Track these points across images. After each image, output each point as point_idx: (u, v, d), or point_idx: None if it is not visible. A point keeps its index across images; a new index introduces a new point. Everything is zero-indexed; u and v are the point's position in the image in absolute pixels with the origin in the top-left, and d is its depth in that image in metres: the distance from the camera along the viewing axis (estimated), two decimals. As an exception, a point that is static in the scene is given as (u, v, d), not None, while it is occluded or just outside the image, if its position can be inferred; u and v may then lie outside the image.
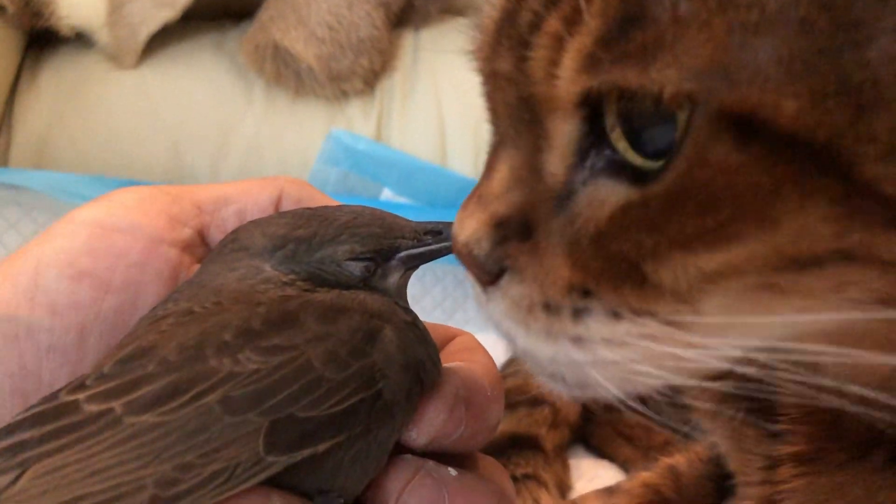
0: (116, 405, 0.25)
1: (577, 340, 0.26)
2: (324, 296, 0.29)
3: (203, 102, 0.92)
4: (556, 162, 0.26)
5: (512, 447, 0.65)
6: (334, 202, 0.35)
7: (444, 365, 0.31)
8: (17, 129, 0.91)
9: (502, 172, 0.28)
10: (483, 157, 0.94)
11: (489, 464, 0.32)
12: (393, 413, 0.28)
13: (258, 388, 0.25)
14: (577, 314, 0.26)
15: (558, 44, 0.25)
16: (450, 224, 0.32)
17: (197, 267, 0.33)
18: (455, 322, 0.91)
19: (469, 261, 0.28)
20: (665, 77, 0.23)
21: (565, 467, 0.69)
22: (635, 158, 0.25)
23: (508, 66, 0.27)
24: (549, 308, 0.27)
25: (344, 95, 0.91)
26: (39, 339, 0.31)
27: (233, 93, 0.93)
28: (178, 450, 0.24)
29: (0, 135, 0.90)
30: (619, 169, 0.25)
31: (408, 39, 0.98)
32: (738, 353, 0.25)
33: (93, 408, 0.25)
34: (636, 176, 0.25)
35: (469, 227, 0.28)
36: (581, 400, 0.27)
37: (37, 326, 0.30)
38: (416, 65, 0.97)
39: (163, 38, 0.93)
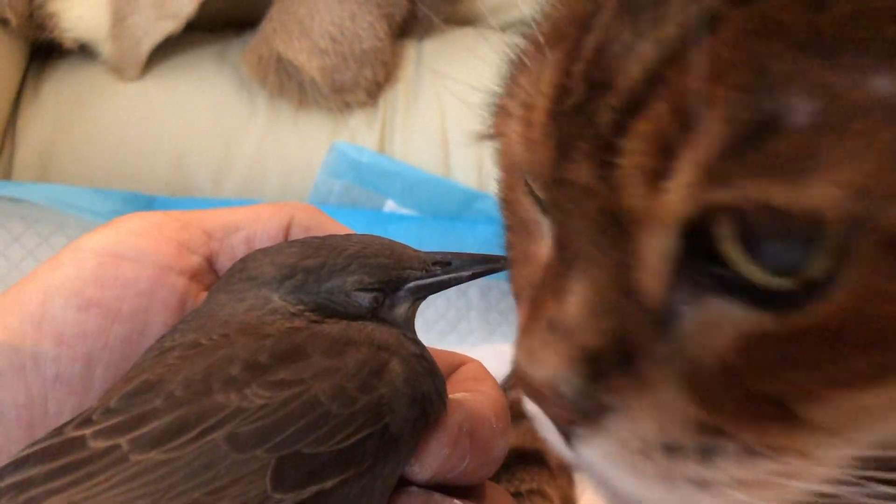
0: (123, 441, 0.25)
1: (704, 484, 0.23)
2: (331, 328, 0.29)
3: (206, 114, 0.92)
4: (651, 281, 0.23)
5: (517, 462, 0.65)
6: (344, 228, 0.35)
7: (450, 396, 0.31)
8: (21, 141, 0.91)
9: (582, 296, 0.24)
10: (486, 171, 0.93)
11: (496, 493, 0.32)
12: (399, 447, 0.27)
13: (265, 424, 0.25)
14: (705, 454, 0.23)
15: (662, 151, 0.21)
16: (459, 254, 0.32)
17: (205, 294, 0.33)
18: (458, 333, 0.91)
19: (554, 400, 0.24)
20: (823, 195, 0.19)
21: (570, 481, 0.69)
22: (758, 276, 0.21)
23: (583, 174, 0.23)
24: (669, 449, 0.23)
25: (347, 107, 0.91)
26: (46, 368, 0.30)
27: (236, 104, 0.93)
28: (185, 487, 0.24)
29: (3, 147, 0.90)
30: (732, 288, 0.22)
31: (411, 50, 0.98)
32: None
33: (99, 444, 0.25)
34: (756, 296, 0.22)
35: (550, 363, 0.24)
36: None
37: (43, 356, 0.30)
38: (419, 76, 0.97)
39: (165, 50, 0.93)
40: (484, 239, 0.90)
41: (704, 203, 0.21)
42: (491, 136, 0.31)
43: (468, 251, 0.96)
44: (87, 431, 0.26)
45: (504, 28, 1.18)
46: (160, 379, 0.27)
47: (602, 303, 0.24)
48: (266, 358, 0.27)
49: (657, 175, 0.21)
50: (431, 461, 0.29)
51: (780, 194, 0.20)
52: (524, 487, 0.62)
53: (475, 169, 0.94)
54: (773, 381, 0.22)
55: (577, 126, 0.23)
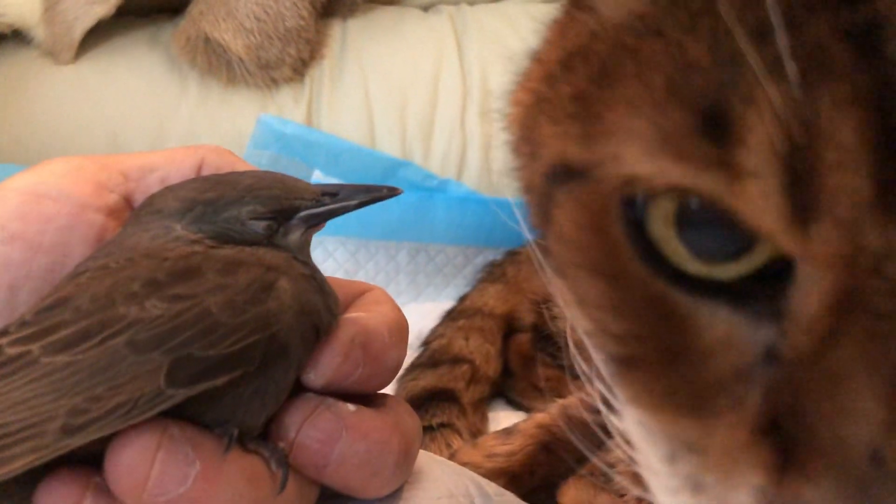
0: (34, 347, 0.28)
1: None
2: (226, 252, 0.32)
3: (139, 94, 0.96)
4: None
5: (430, 400, 0.70)
6: (253, 168, 0.38)
7: (347, 315, 0.33)
8: (-41, 125, 0.94)
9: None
10: (409, 141, 0.98)
11: (391, 400, 0.34)
12: (288, 354, 0.30)
13: (161, 331, 0.28)
14: None
15: None
16: (345, 186, 0.35)
17: None
18: (390, 290, 0.96)
19: None
20: None
21: (483, 419, 0.75)
22: None
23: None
24: None
25: (274, 83, 0.96)
26: None
27: (168, 84, 0.97)
28: (88, 385, 0.27)
29: (-58, 131, 0.93)
30: None
31: (336, 29, 1.03)
32: None
33: (13, 350, 0.28)
34: None
35: None
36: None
37: None
38: (344, 53, 1.01)
39: (98, 34, 0.96)
40: (407, 205, 0.95)
41: None
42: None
43: (393, 216, 1.01)
44: (4, 341, 0.29)
45: (425, 7, 1.23)
46: (70, 295, 0.30)
47: None
48: (164, 276, 0.30)
49: None
50: (325, 369, 0.32)
51: None
52: (435, 421, 0.68)
53: (399, 140, 0.99)
54: None
55: None
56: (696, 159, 0.20)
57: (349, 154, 0.93)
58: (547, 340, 0.80)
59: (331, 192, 0.35)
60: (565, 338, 0.76)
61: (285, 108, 0.97)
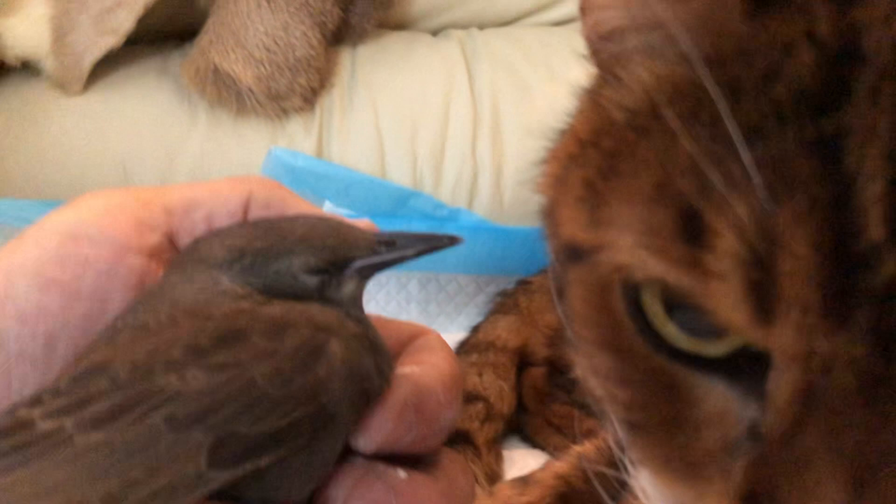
0: (68, 423, 0.26)
1: None
2: (273, 309, 0.30)
3: (149, 124, 0.96)
4: None
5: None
6: (304, 202, 0.36)
7: (399, 370, 0.31)
8: (-31, 158, 0.94)
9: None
10: (420, 170, 0.98)
11: (446, 460, 0.32)
12: (336, 425, 0.29)
13: (202, 406, 0.26)
14: None
15: None
16: (403, 234, 0.33)
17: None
18: (402, 319, 0.96)
19: None
20: None
21: (498, 458, 0.74)
22: None
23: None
24: None
25: (284, 113, 0.95)
26: (9, 346, 0.31)
27: (177, 114, 0.96)
28: (125, 466, 0.25)
29: (-48, 164, 0.93)
30: None
31: (345, 56, 1.02)
32: None
33: (46, 425, 0.26)
34: None
35: None
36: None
37: (6, 334, 0.31)
38: (353, 80, 1.01)
39: (107, 64, 0.96)
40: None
41: None
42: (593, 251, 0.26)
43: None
44: (37, 412, 0.27)
45: (434, 32, 1.23)
46: (107, 360, 0.28)
47: None
48: (207, 341, 0.28)
49: None
50: (375, 434, 0.30)
51: None
52: (450, 465, 0.67)
53: (410, 168, 0.99)
54: None
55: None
56: (673, 257, 0.22)
57: (360, 185, 0.92)
58: (561, 375, 0.79)
59: (387, 241, 0.32)
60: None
61: (296, 137, 0.96)
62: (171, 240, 0.35)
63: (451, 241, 0.33)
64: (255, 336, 0.28)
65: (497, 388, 0.78)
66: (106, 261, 0.32)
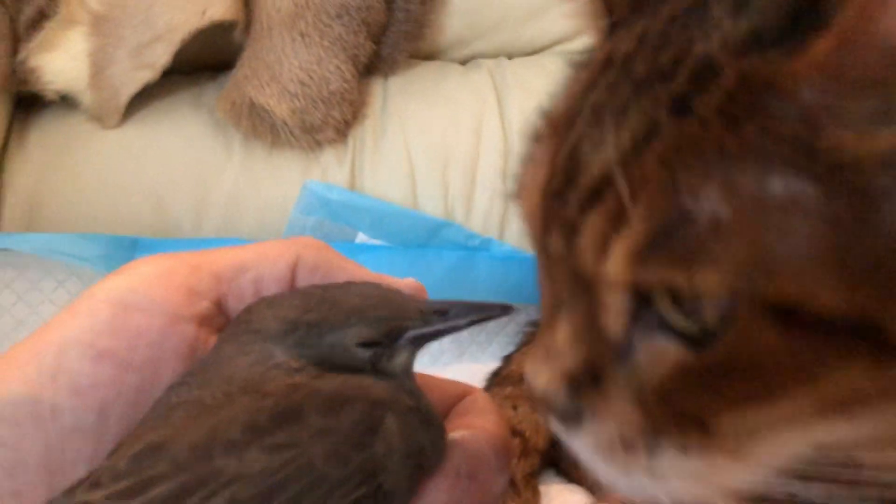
0: None
1: (651, 473, 0.30)
2: (329, 384, 0.30)
3: (184, 157, 0.97)
4: (613, 323, 0.29)
5: (483, 479, 0.70)
6: (350, 263, 0.36)
7: (450, 436, 0.32)
8: (8, 191, 0.95)
9: (565, 331, 0.31)
10: (451, 200, 0.98)
11: None
12: (394, 501, 0.29)
13: (263, 490, 0.27)
14: (650, 451, 0.29)
15: (605, 237, 0.27)
16: (456, 303, 0.33)
17: (214, 339, 0.34)
18: (431, 354, 0.95)
19: (547, 407, 0.32)
20: (708, 280, 0.26)
21: (535, 494, 0.74)
22: (686, 327, 0.27)
23: (558, 245, 0.30)
24: (626, 445, 0.30)
25: (318, 145, 0.96)
26: (63, 419, 0.31)
27: (212, 147, 0.97)
28: None
29: (-9, 198, 0.94)
30: (672, 330, 0.28)
31: (377, 87, 1.03)
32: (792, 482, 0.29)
33: None
34: (688, 338, 0.27)
35: (543, 379, 0.31)
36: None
37: (60, 407, 0.31)
38: (385, 112, 1.02)
39: (143, 97, 0.97)
40: (450, 265, 0.95)
41: (632, 279, 0.28)
42: (514, 198, 0.34)
43: (436, 276, 1.00)
44: (97, 496, 0.27)
45: (463, 61, 1.24)
46: (165, 440, 0.28)
47: (577, 336, 0.31)
48: (265, 419, 0.28)
49: (602, 253, 0.28)
50: None
51: (680, 280, 0.27)
52: None
53: (441, 199, 0.99)
54: (690, 398, 0.29)
55: (555, 207, 0.30)
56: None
57: (393, 217, 0.93)
58: (597, 410, 0.79)
59: (440, 311, 0.32)
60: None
61: (329, 169, 0.97)
62: (219, 305, 0.35)
63: (504, 310, 0.33)
64: (312, 414, 0.29)
65: (532, 421, 0.78)
66: (158, 330, 0.33)
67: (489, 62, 1.10)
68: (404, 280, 0.35)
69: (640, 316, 0.28)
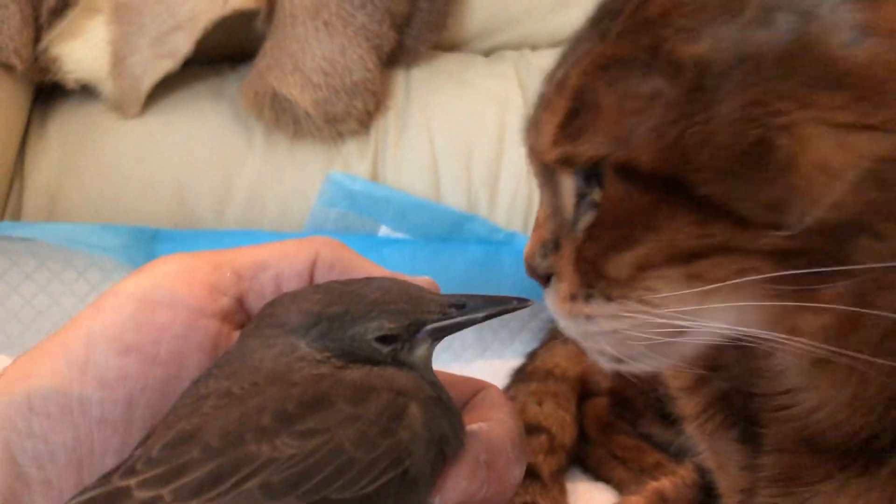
0: (165, 492, 0.27)
1: (589, 317, 0.36)
2: (354, 374, 0.31)
3: (205, 147, 0.96)
4: (566, 202, 0.37)
5: (510, 476, 0.69)
6: (367, 262, 0.38)
7: (468, 427, 0.33)
8: (29, 181, 0.94)
9: (543, 209, 0.39)
10: (474, 193, 0.97)
11: None
12: (418, 486, 0.30)
13: (295, 473, 0.28)
14: (587, 299, 0.36)
15: (545, 126, 0.36)
16: (473, 296, 0.35)
17: (236, 334, 0.35)
18: (453, 350, 0.95)
19: (531, 270, 0.39)
20: (584, 149, 0.35)
21: (562, 491, 0.73)
22: (591, 195, 0.36)
23: (531, 142, 0.38)
24: (572, 297, 0.36)
25: (340, 136, 0.95)
26: (91, 411, 0.33)
27: (234, 137, 0.96)
28: None
29: (13, 187, 0.94)
30: (596, 205, 0.35)
31: (400, 78, 1.02)
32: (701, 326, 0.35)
33: (144, 494, 0.27)
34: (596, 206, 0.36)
35: (528, 246, 0.39)
36: (618, 371, 0.38)
37: (88, 400, 0.33)
38: (408, 103, 1.00)
39: (164, 87, 0.96)
40: (474, 259, 0.94)
41: (555, 153, 0.36)
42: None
43: (459, 270, 0.99)
44: (132, 482, 0.28)
45: (487, 53, 1.22)
46: (197, 428, 0.29)
47: (549, 212, 0.38)
48: (294, 407, 0.29)
49: (542, 138, 0.37)
50: (451, 494, 0.31)
51: (570, 151, 0.35)
52: (518, 500, 0.66)
53: (464, 192, 0.98)
54: (591, 251, 0.35)
55: (532, 117, 0.39)
56: None
57: (416, 209, 0.92)
58: (625, 406, 0.78)
59: (458, 304, 0.34)
60: (644, 404, 0.73)
61: (351, 160, 0.96)
62: (240, 302, 0.36)
63: (521, 303, 0.35)
64: (340, 401, 0.30)
65: (558, 418, 0.77)
66: (182, 325, 0.34)
67: (513, 54, 1.09)
68: (419, 277, 0.37)
69: (583, 197, 0.36)
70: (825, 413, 0.35)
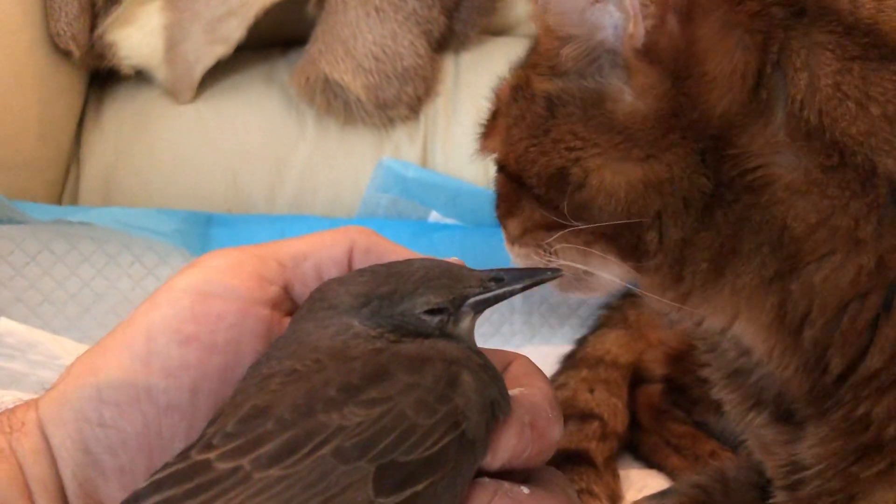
0: (245, 462, 0.29)
1: (516, 256, 0.47)
2: (408, 347, 0.33)
3: (258, 133, 0.97)
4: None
5: (565, 462, 0.68)
6: (396, 246, 0.40)
7: (510, 392, 0.35)
8: (85, 166, 0.96)
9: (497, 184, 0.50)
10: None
11: (553, 475, 0.36)
12: (475, 447, 0.32)
13: (363, 439, 0.29)
14: (511, 240, 0.47)
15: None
16: (509, 270, 0.37)
17: (286, 321, 0.37)
18: (502, 335, 0.95)
19: (508, 239, 0.48)
20: (487, 144, 0.48)
21: (616, 478, 0.73)
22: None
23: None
24: (513, 241, 0.47)
25: (390, 122, 0.95)
26: (158, 399, 0.34)
27: (285, 123, 0.97)
28: (304, 497, 0.28)
29: (70, 172, 0.95)
30: None
31: (449, 64, 1.02)
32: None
33: (224, 465, 0.29)
34: None
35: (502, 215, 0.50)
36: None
37: (155, 388, 0.34)
38: (457, 88, 1.00)
39: (216, 72, 0.97)
40: (524, 245, 0.93)
41: (479, 146, 0.50)
42: None
43: (508, 255, 1.00)
44: (212, 455, 0.29)
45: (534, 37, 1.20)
46: (268, 404, 0.31)
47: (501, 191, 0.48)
48: (357, 379, 0.31)
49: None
50: (502, 453, 0.33)
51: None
52: (573, 487, 0.66)
53: (514, 177, 0.98)
54: (500, 213, 0.48)
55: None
56: None
57: (467, 196, 0.92)
58: (681, 393, 0.77)
59: (496, 278, 0.36)
60: (701, 391, 0.73)
61: (401, 146, 0.96)
62: (286, 291, 0.38)
63: (554, 273, 0.37)
64: (399, 372, 0.31)
65: (611, 405, 0.77)
66: (236, 314, 0.36)
67: (562, 37, 1.08)
68: (449, 258, 0.39)
69: None
70: (776, 364, 0.42)
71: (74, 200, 0.95)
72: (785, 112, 0.38)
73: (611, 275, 0.44)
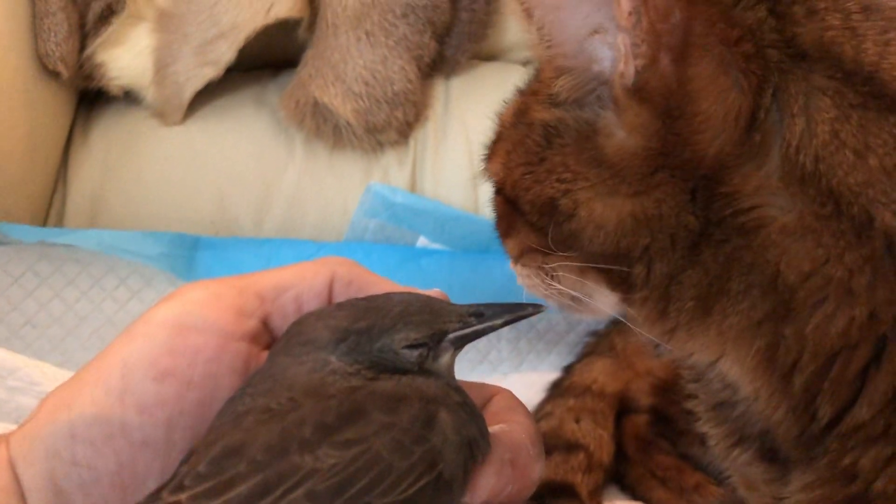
0: None
1: (519, 273, 0.48)
2: (385, 385, 0.33)
3: (246, 156, 0.96)
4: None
5: (550, 495, 0.68)
6: (381, 279, 0.39)
7: (489, 429, 0.34)
8: (72, 186, 0.95)
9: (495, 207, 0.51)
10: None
11: None
12: (452, 488, 0.31)
13: (337, 481, 0.29)
14: (515, 261, 0.48)
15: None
16: (490, 305, 0.36)
17: (264, 354, 0.37)
18: (490, 362, 0.94)
19: (512, 259, 0.49)
20: (489, 167, 0.47)
21: (601, 509, 0.72)
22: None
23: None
24: (515, 260, 0.48)
25: (380, 146, 0.95)
26: (132, 435, 0.34)
27: (274, 146, 0.97)
28: None
29: (56, 193, 0.95)
30: None
31: (439, 89, 1.02)
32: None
33: None
34: None
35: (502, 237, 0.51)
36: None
37: (129, 425, 0.34)
38: (447, 113, 1.00)
39: (206, 94, 0.97)
40: (511, 271, 0.93)
41: (483, 168, 0.49)
42: None
43: (498, 282, 1.00)
44: (183, 497, 0.29)
45: (525, 63, 1.22)
46: (241, 443, 0.30)
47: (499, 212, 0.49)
48: (332, 419, 0.31)
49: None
50: (481, 492, 0.33)
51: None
52: (558, 520, 0.66)
53: (503, 203, 0.98)
54: (499, 232, 0.49)
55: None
56: None
57: (455, 221, 0.91)
58: (666, 424, 0.77)
59: (477, 313, 0.36)
60: (687, 423, 0.73)
61: (390, 170, 0.96)
62: (265, 324, 0.37)
63: (536, 308, 0.37)
64: (375, 411, 0.31)
65: (597, 436, 0.76)
66: (213, 349, 0.35)
67: (551, 64, 1.08)
68: (430, 290, 0.38)
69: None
70: (762, 405, 0.42)
71: (60, 221, 0.94)
72: (780, 156, 0.37)
73: (603, 304, 0.44)
